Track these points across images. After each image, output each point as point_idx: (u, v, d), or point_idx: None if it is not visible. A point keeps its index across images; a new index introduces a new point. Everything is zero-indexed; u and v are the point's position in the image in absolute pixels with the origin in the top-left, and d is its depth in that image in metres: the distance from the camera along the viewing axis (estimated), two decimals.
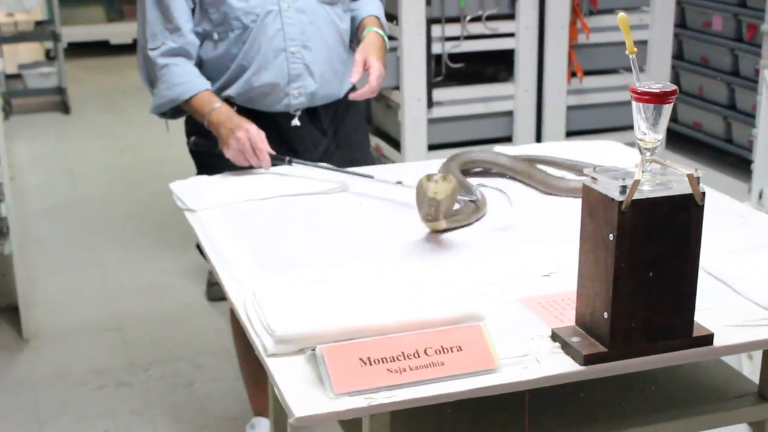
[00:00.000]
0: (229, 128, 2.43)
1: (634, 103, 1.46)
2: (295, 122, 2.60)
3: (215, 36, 2.56)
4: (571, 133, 4.61)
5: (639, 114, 1.46)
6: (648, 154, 1.48)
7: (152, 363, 3.63)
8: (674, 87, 1.45)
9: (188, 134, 2.72)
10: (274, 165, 2.44)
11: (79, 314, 4.04)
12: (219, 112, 2.48)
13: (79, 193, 5.62)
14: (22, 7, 7.79)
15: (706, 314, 1.61)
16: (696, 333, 1.55)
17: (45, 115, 7.35)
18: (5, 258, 3.79)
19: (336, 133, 2.73)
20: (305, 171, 2.42)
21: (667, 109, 1.45)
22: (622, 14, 1.46)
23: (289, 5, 2.55)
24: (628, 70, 4.64)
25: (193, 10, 2.56)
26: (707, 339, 1.56)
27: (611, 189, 1.45)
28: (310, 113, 2.66)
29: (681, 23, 5.64)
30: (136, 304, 4.13)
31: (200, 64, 2.60)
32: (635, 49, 1.47)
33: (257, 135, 2.42)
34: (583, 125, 4.62)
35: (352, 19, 2.73)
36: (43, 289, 4.28)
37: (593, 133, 4.59)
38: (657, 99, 1.44)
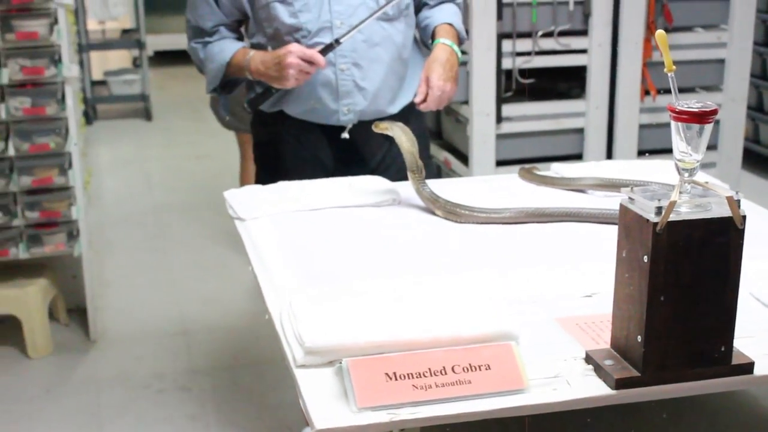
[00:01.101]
0: (274, 63, 2.46)
1: (672, 122, 1.43)
2: (345, 135, 2.58)
3: (269, 49, 2.57)
4: (643, 152, 4.54)
5: (678, 133, 1.43)
6: (686, 174, 1.44)
7: (213, 369, 3.66)
8: (714, 106, 1.42)
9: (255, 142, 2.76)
10: (325, 53, 2.47)
11: (146, 318, 4.10)
12: (254, 58, 2.52)
13: (156, 199, 5.71)
14: (109, 15, 7.97)
15: (748, 341, 1.57)
16: (735, 360, 1.51)
17: (128, 121, 7.50)
18: (76, 260, 3.87)
19: (391, 149, 2.66)
20: (357, 181, 2.42)
21: (708, 129, 1.42)
22: (660, 31, 1.43)
23: (342, 22, 2.52)
24: (705, 89, 4.56)
25: (240, 22, 2.63)
26: (747, 367, 1.52)
27: (647, 210, 1.42)
28: (364, 128, 2.60)
29: (764, 41, 5.52)
30: (202, 310, 4.18)
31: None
32: (674, 67, 1.44)
33: (299, 48, 2.43)
34: (655, 144, 4.54)
35: (425, 27, 2.68)
36: (112, 292, 4.35)
37: (666, 152, 4.51)
38: (696, 119, 1.41)
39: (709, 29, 4.48)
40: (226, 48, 2.59)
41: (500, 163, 4.25)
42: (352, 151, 2.61)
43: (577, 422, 1.71)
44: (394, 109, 2.65)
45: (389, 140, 2.63)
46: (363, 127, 2.59)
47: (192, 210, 5.50)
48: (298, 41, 2.52)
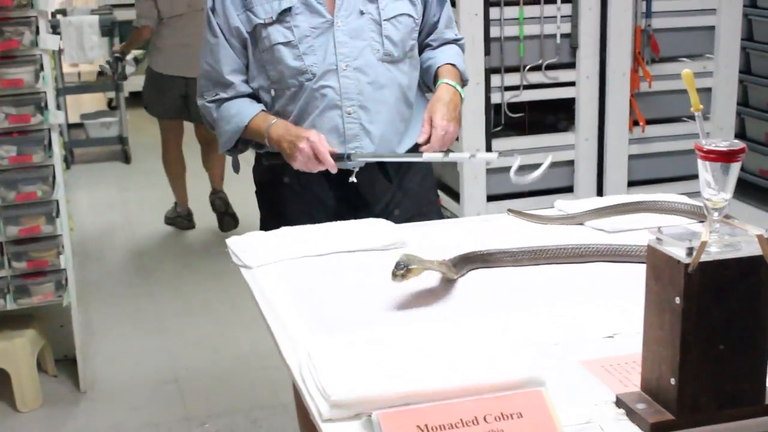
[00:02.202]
0: (290, 141, 2.41)
1: (700, 161, 1.40)
2: (352, 179, 2.52)
3: (272, 92, 2.54)
4: (633, 183, 4.54)
5: (705, 172, 1.41)
6: (715, 214, 1.42)
7: (208, 417, 3.60)
8: (742, 145, 1.40)
9: (257, 181, 2.73)
10: (337, 162, 2.41)
11: (136, 366, 4.04)
12: (276, 127, 2.47)
13: (138, 243, 5.66)
14: (86, 58, 7.92)
15: None
16: None
17: (106, 165, 7.45)
18: (64, 310, 3.81)
19: (401, 184, 2.65)
20: (363, 226, 2.39)
21: (735, 167, 1.40)
22: (687, 71, 1.41)
23: (348, 65, 2.48)
24: (692, 117, 4.56)
25: (246, 66, 2.55)
26: None
27: (677, 250, 1.39)
28: (372, 169, 2.58)
29: (746, 69, 5.56)
30: (193, 356, 4.12)
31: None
32: (701, 106, 1.42)
33: (318, 141, 2.38)
34: (645, 175, 4.55)
35: (428, 68, 2.65)
36: (100, 340, 4.29)
37: (656, 182, 4.52)
38: (724, 158, 1.39)
39: (695, 59, 4.50)
40: (243, 111, 2.54)
41: (491, 198, 4.24)
42: (357, 194, 2.56)
43: None
44: (401, 149, 2.61)
45: (395, 184, 2.61)
46: (368, 170, 2.56)
47: (176, 253, 5.45)
48: (302, 84, 2.49)
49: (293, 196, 2.56)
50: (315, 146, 2.38)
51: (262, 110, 2.54)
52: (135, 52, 6.31)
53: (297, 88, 2.50)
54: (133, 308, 4.68)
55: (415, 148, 2.57)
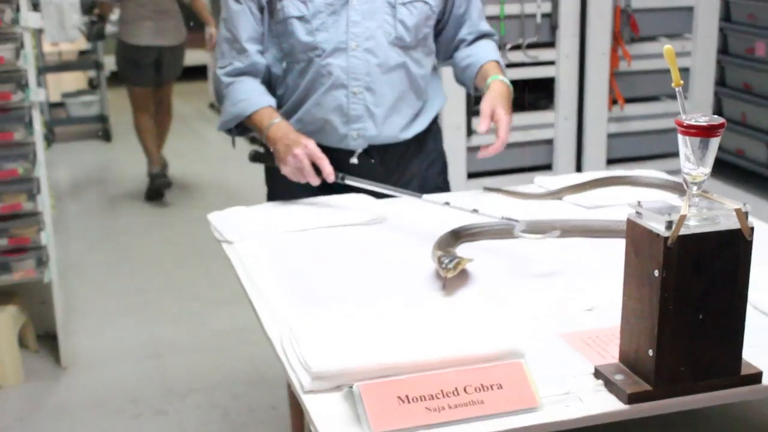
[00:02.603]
0: (286, 144, 2.38)
1: (680, 136, 1.42)
2: (353, 160, 2.49)
3: (283, 65, 2.53)
4: (612, 161, 4.57)
5: (685, 147, 1.42)
6: (694, 188, 1.44)
7: (189, 392, 3.61)
8: (722, 120, 1.41)
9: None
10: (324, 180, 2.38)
11: (117, 342, 4.04)
12: (277, 128, 2.43)
13: (120, 221, 5.65)
14: (66, 37, 7.88)
15: (755, 351, 1.56)
16: (744, 371, 1.51)
17: (87, 143, 7.43)
18: (45, 286, 3.80)
19: (405, 171, 2.62)
20: (344, 201, 2.40)
21: (715, 142, 1.42)
22: (668, 46, 1.42)
23: (358, 44, 2.45)
24: (671, 97, 4.60)
25: (263, 35, 2.53)
26: (756, 377, 1.51)
27: (657, 224, 1.41)
28: (376, 150, 2.56)
29: (723, 49, 5.58)
30: (174, 332, 4.13)
31: (270, 85, 2.58)
32: (682, 82, 1.44)
33: (315, 150, 2.35)
34: (624, 153, 4.58)
35: (469, 66, 2.58)
36: (82, 316, 4.29)
37: (635, 160, 4.55)
38: (704, 132, 1.41)
39: (673, 39, 4.52)
40: (251, 99, 2.50)
41: (471, 175, 4.25)
42: (360, 176, 2.50)
43: None
44: (407, 134, 2.57)
45: (398, 167, 2.59)
46: (372, 152, 2.53)
47: (157, 230, 5.45)
48: (312, 60, 2.47)
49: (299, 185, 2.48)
50: (313, 155, 2.34)
51: (270, 105, 2.50)
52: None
53: (306, 63, 2.48)
54: (115, 285, 4.68)
55: (427, 132, 2.61)
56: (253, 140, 6.43)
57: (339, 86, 2.47)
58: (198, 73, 8.81)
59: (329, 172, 2.34)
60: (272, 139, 2.42)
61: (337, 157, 2.50)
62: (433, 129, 2.69)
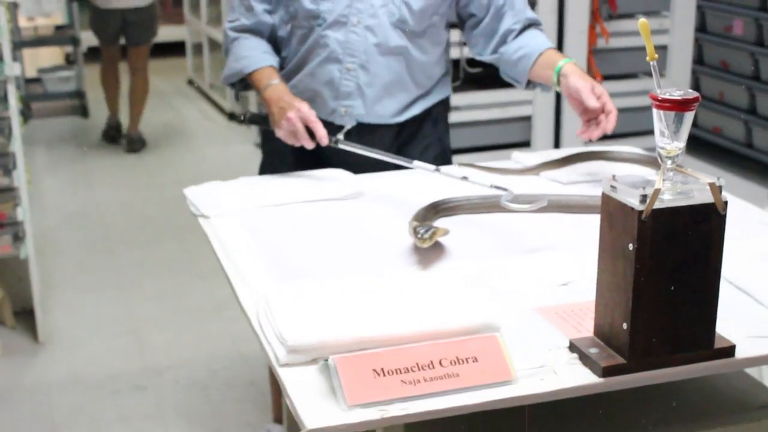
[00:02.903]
0: (281, 107, 2.35)
1: (654, 110, 1.43)
2: (339, 136, 2.44)
3: (288, 28, 2.51)
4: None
5: (660, 121, 1.43)
6: (669, 162, 1.44)
7: (167, 368, 3.61)
8: (696, 94, 1.42)
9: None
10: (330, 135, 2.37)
11: (95, 318, 4.04)
12: (274, 89, 2.41)
13: (97, 197, 5.62)
14: (42, 12, 7.81)
15: (727, 325, 1.58)
16: (717, 344, 1.52)
17: (64, 119, 7.37)
18: (22, 262, 3.79)
19: (400, 150, 2.57)
20: (322, 175, 2.40)
21: (689, 116, 1.42)
22: (643, 20, 1.43)
23: (359, 20, 2.42)
24: (648, 74, 4.61)
25: None
26: (729, 351, 1.53)
27: (631, 198, 1.42)
28: (366, 130, 2.52)
29: (701, 27, 5.59)
30: (151, 308, 4.12)
31: (276, 46, 2.57)
32: (656, 56, 1.44)
33: (309, 113, 2.33)
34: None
35: (523, 58, 2.44)
36: (59, 293, 4.27)
37: (612, 137, 4.54)
38: (678, 106, 1.41)
39: (651, 16, 4.53)
40: (253, 57, 2.49)
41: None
42: (351, 153, 2.46)
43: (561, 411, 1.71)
44: (398, 119, 2.54)
45: (389, 150, 2.54)
46: (361, 131, 2.50)
47: (135, 207, 5.42)
48: (312, 28, 2.45)
49: (294, 148, 2.45)
50: (307, 118, 2.33)
51: (271, 65, 2.48)
52: None
53: (307, 30, 2.47)
54: (92, 261, 4.67)
55: (425, 116, 2.59)
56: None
57: (333, 60, 2.45)
58: (176, 49, 8.75)
59: (322, 135, 2.33)
60: (268, 101, 2.42)
61: (328, 130, 2.49)
62: (433, 114, 2.64)
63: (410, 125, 2.59)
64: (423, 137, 2.63)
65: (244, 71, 2.50)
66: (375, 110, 2.50)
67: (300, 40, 2.50)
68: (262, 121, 2.50)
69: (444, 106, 2.69)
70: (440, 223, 2.11)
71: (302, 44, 2.49)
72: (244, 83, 2.57)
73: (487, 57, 2.58)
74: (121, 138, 6.67)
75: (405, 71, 2.50)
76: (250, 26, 2.53)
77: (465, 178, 2.19)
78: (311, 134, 2.35)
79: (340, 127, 2.48)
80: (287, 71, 2.55)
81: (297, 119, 2.33)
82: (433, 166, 2.25)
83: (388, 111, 2.52)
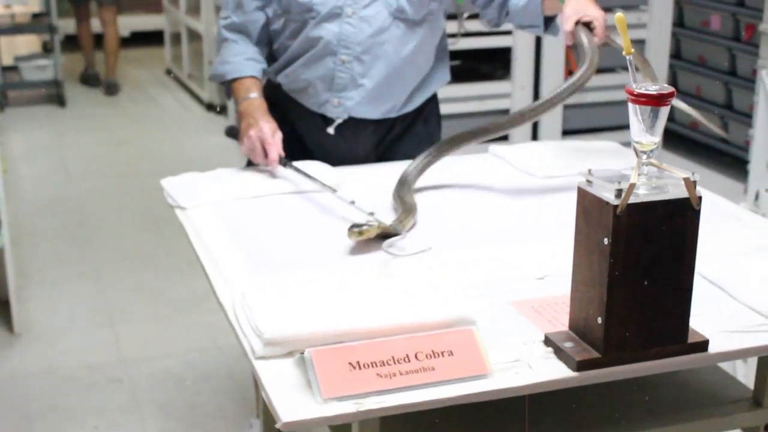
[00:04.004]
0: (248, 123, 2.36)
1: (630, 104, 1.43)
2: (330, 130, 2.47)
3: (282, 21, 2.48)
4: (567, 132, 4.59)
5: (635, 116, 1.44)
6: (644, 157, 1.45)
7: (143, 360, 3.60)
8: (672, 89, 1.43)
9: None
10: (281, 161, 2.36)
11: (71, 309, 4.02)
12: (249, 104, 2.41)
13: (74, 187, 5.59)
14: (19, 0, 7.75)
15: (701, 319, 1.59)
16: (691, 339, 1.53)
17: (40, 108, 7.32)
18: None
19: (388, 150, 2.59)
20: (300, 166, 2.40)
21: (665, 111, 1.43)
22: (619, 14, 1.43)
23: (354, 11, 2.39)
24: (626, 69, 4.61)
25: None
26: (702, 345, 1.54)
27: (606, 192, 1.42)
28: (359, 125, 2.51)
29: (679, 22, 5.62)
30: (128, 300, 4.11)
31: (269, 42, 2.54)
32: (632, 50, 1.45)
33: (269, 134, 2.33)
34: (579, 124, 4.60)
35: (530, 4, 2.41)
36: (35, 283, 4.25)
37: (590, 132, 4.57)
38: (654, 101, 1.42)
39: (629, 10, 4.54)
40: (238, 65, 2.47)
41: None
42: (336, 148, 2.49)
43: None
44: (392, 113, 2.53)
45: (380, 146, 2.58)
46: (352, 126, 2.50)
47: (113, 197, 5.40)
48: (306, 22, 2.42)
49: (285, 140, 2.42)
50: (264, 139, 2.32)
51: (253, 76, 2.46)
52: None
53: (301, 24, 2.44)
54: (68, 251, 4.64)
55: (418, 113, 2.58)
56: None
57: (328, 52, 2.42)
58: (154, 38, 8.72)
59: (272, 159, 2.33)
60: (240, 113, 2.42)
61: (316, 123, 2.49)
62: (426, 111, 2.62)
63: (401, 122, 2.58)
64: (414, 134, 2.61)
65: (225, 77, 2.49)
66: (369, 103, 2.47)
67: (293, 32, 2.47)
68: (236, 134, 2.51)
69: (435, 101, 2.68)
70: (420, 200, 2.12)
71: (295, 37, 2.46)
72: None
73: (503, 20, 2.57)
74: (100, 85, 7.72)
75: (402, 61, 2.46)
76: (240, 24, 2.49)
77: (353, 202, 2.12)
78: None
79: (331, 120, 2.48)
80: (280, 63, 2.52)
81: (256, 139, 2.33)
82: (350, 199, 2.14)
83: (381, 104, 2.49)
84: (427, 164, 2.30)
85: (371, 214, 2.03)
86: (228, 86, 2.53)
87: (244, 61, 2.48)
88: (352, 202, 2.11)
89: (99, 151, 6.23)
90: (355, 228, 1.91)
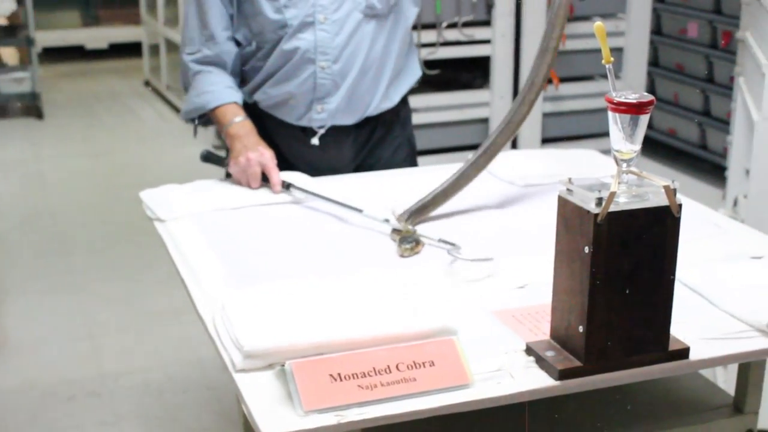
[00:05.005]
0: (245, 144, 2.34)
1: (610, 113, 1.43)
2: (314, 141, 2.47)
3: (253, 45, 2.47)
4: (546, 140, 4.60)
5: (615, 124, 1.43)
6: (624, 165, 1.45)
7: (123, 373, 3.58)
8: (651, 97, 1.42)
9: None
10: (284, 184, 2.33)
11: (50, 323, 3.99)
12: (240, 126, 2.39)
13: (52, 200, 5.56)
14: None
15: (682, 327, 1.59)
16: (672, 347, 1.53)
17: (18, 121, 7.29)
18: None
19: (370, 154, 2.60)
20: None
21: (644, 119, 1.43)
22: (598, 23, 1.43)
23: (326, 17, 2.40)
24: (604, 76, 4.60)
25: (232, 17, 2.47)
26: (683, 353, 1.54)
27: (587, 201, 1.42)
28: (341, 133, 2.53)
29: (657, 30, 5.64)
30: (107, 313, 4.08)
31: (240, 68, 2.53)
32: (612, 59, 1.44)
33: (269, 161, 2.32)
34: (558, 132, 4.61)
35: None
36: (13, 297, 4.22)
37: (569, 140, 4.58)
38: (634, 109, 1.42)
39: (607, 18, 4.56)
40: (217, 93, 2.44)
41: None
42: (320, 158, 2.49)
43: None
44: (374, 112, 2.54)
45: (365, 151, 2.59)
46: (335, 135, 2.51)
47: (91, 210, 5.37)
48: (281, 38, 2.41)
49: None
50: (264, 163, 2.31)
51: (235, 102, 2.45)
52: None
53: (275, 42, 2.43)
54: (47, 265, 4.61)
55: (396, 111, 2.58)
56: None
57: (306, 61, 2.43)
58: (132, 49, 8.69)
59: (276, 182, 2.30)
60: (231, 136, 2.38)
61: (296, 136, 2.49)
62: (402, 114, 2.65)
63: (381, 126, 2.59)
64: (393, 138, 2.64)
65: (206, 106, 2.45)
66: (351, 104, 2.49)
67: (268, 50, 2.46)
68: (217, 160, 2.48)
69: (408, 106, 2.70)
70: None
71: (271, 54, 2.46)
72: (205, 118, 2.52)
73: None
74: None
75: (375, 58, 2.48)
76: (213, 57, 2.47)
77: (387, 220, 2.11)
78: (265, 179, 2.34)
79: (313, 132, 2.49)
80: (256, 82, 2.51)
81: (256, 163, 2.31)
82: (382, 217, 2.12)
83: (364, 104, 2.51)
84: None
85: (386, 220, 2.08)
86: (201, 120, 2.51)
87: (224, 89, 2.46)
88: (386, 220, 2.10)
89: (77, 164, 6.20)
90: (406, 245, 1.97)
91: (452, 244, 1.97)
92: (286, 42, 2.42)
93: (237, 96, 2.47)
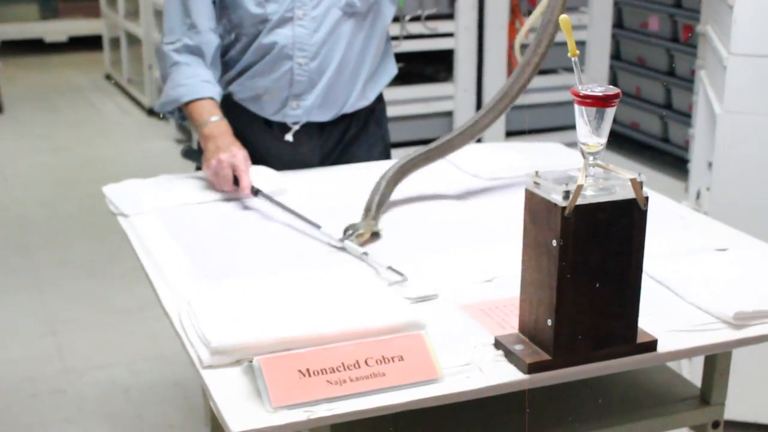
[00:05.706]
0: (218, 146, 2.28)
1: (576, 106, 1.43)
2: (289, 137, 2.45)
3: (233, 36, 2.45)
4: (511, 134, 4.61)
5: (581, 117, 1.43)
6: (591, 158, 1.45)
7: (87, 370, 3.55)
8: (617, 90, 1.43)
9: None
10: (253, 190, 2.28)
11: (13, 320, 3.95)
12: (215, 126, 2.32)
13: (13, 195, 5.50)
14: None
15: (649, 319, 1.59)
16: (640, 339, 1.53)
17: None
18: None
19: (344, 152, 2.58)
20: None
21: (610, 112, 1.43)
22: (564, 15, 1.43)
23: (305, 13, 2.39)
24: (568, 70, 4.66)
25: (215, 3, 2.42)
26: (651, 345, 1.54)
27: (554, 194, 1.42)
28: (315, 130, 2.52)
29: (618, 23, 5.67)
30: (70, 309, 4.04)
31: (221, 58, 2.48)
32: (578, 52, 1.45)
33: (240, 163, 2.25)
34: (523, 125, 4.62)
35: None
36: None
37: (532, 133, 4.60)
38: (600, 102, 1.42)
39: (570, 12, 4.57)
40: (193, 86, 2.38)
41: None
42: (294, 156, 2.46)
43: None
44: (349, 109, 2.52)
45: (336, 149, 2.58)
46: (309, 132, 2.50)
47: (53, 205, 5.32)
48: (260, 32, 2.39)
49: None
50: (236, 165, 2.24)
51: (211, 97, 2.38)
52: None
53: (254, 35, 2.41)
54: (8, 261, 4.56)
55: (371, 111, 2.58)
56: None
57: (284, 57, 2.41)
58: (92, 42, 8.62)
59: (245, 186, 2.24)
60: (206, 137, 2.32)
61: (269, 131, 2.47)
62: (377, 111, 2.64)
63: (355, 123, 2.58)
64: (368, 136, 2.63)
65: (181, 99, 2.39)
66: (328, 101, 2.47)
67: (246, 44, 2.44)
68: (197, 157, 2.42)
69: (383, 103, 2.69)
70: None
71: (249, 47, 2.44)
72: (183, 112, 2.45)
73: None
74: None
75: (352, 54, 2.47)
76: (193, 47, 2.42)
77: (365, 253, 1.95)
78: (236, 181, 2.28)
79: (287, 128, 2.48)
80: (232, 74, 2.49)
81: (227, 165, 2.25)
82: (338, 237, 2.01)
83: (339, 99, 2.49)
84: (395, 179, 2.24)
85: (365, 254, 1.93)
86: (180, 114, 2.45)
87: (200, 83, 2.40)
88: (341, 245, 1.98)
89: (38, 159, 6.14)
90: (351, 231, 1.97)
91: (401, 274, 1.80)
92: (264, 36, 2.40)
93: (214, 91, 2.41)
